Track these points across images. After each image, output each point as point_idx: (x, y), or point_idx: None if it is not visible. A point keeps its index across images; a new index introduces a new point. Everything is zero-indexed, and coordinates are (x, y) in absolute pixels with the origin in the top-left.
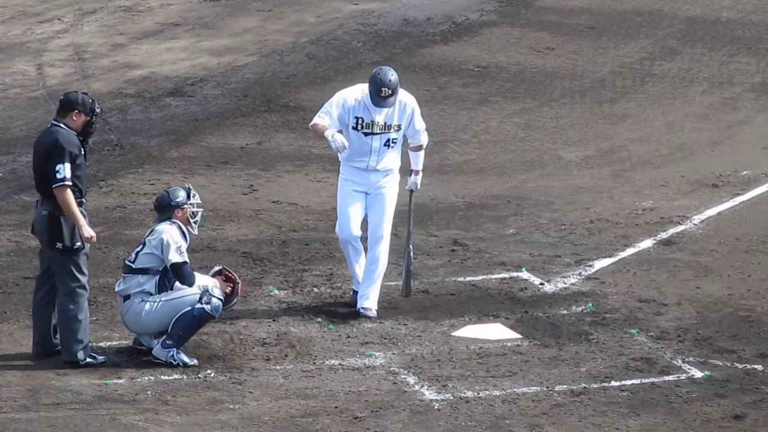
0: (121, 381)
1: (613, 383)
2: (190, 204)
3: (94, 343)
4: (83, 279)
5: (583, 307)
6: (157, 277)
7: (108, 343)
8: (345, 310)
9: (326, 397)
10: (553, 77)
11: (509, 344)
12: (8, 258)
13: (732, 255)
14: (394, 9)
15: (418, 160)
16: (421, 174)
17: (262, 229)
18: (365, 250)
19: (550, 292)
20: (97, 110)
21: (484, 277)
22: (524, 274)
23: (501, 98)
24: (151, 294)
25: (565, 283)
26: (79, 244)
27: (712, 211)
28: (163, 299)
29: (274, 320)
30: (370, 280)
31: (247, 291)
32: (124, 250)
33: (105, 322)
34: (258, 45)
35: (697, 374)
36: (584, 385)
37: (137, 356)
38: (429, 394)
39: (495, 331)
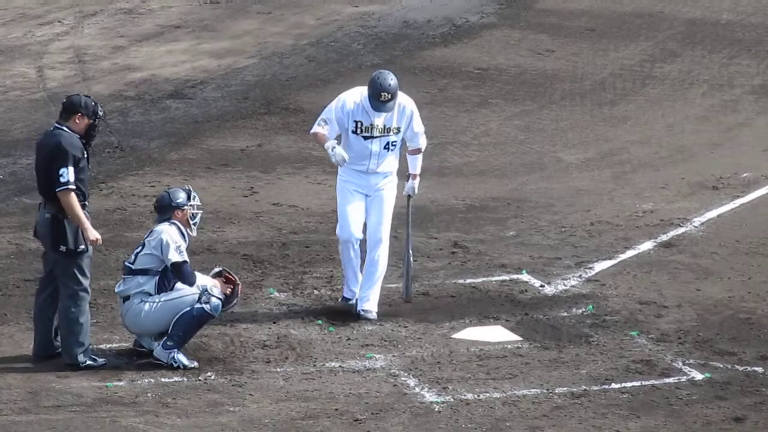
0: (121, 383)
1: (614, 385)
2: (191, 205)
3: (95, 346)
4: (86, 282)
5: (584, 310)
6: (157, 277)
7: (108, 346)
8: (345, 313)
9: (326, 399)
10: (553, 79)
11: (509, 346)
12: (8, 260)
13: (732, 257)
14: (394, 11)
15: (416, 164)
16: (419, 178)
17: (262, 231)
18: (362, 253)
19: (550, 295)
20: (100, 113)
21: (485, 279)
22: (524, 277)
23: (501, 100)
24: (150, 294)
25: (565, 286)
26: (82, 246)
27: (713, 214)
28: (162, 300)
29: (274, 322)
30: (370, 282)
31: (247, 293)
32: (124, 252)
33: (105, 325)
34: (258, 47)
35: (698, 376)
36: (584, 387)
37: (137, 358)
38: (429, 397)
39: (495, 334)
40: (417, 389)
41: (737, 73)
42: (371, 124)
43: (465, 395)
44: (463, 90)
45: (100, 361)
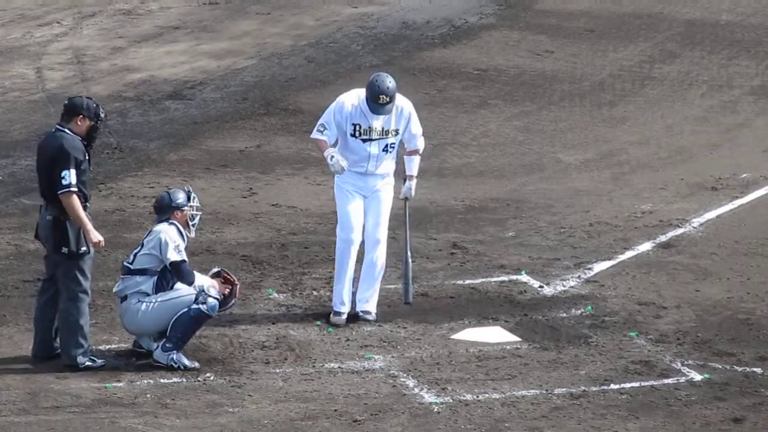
0: (120, 384)
1: (613, 386)
2: (190, 206)
3: (94, 347)
4: (86, 284)
5: (583, 310)
6: (155, 278)
7: (107, 347)
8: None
9: (325, 400)
10: (553, 80)
11: (508, 347)
12: (8, 261)
13: (731, 258)
14: (394, 12)
15: (412, 165)
16: (416, 179)
17: (261, 232)
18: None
19: (549, 295)
20: (102, 115)
21: (484, 280)
22: (523, 277)
23: (500, 101)
24: (147, 295)
25: (564, 286)
26: (84, 248)
27: (712, 214)
28: (159, 300)
29: (273, 323)
30: (369, 283)
31: (246, 294)
32: (123, 253)
33: (104, 326)
34: (257, 48)
35: (697, 377)
36: (583, 388)
37: (137, 359)
38: (428, 398)
39: (494, 334)
40: (416, 390)
41: (736, 74)
42: (370, 127)
43: (464, 396)
44: (462, 91)
45: (99, 362)
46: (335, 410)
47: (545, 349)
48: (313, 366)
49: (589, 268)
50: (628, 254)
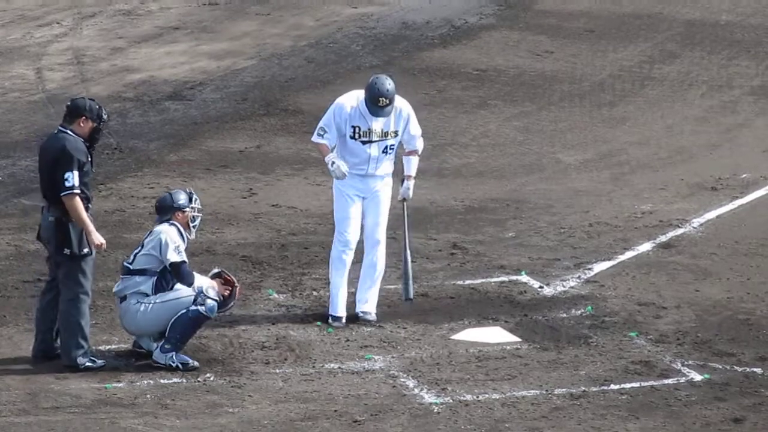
0: (120, 385)
1: (613, 386)
2: (192, 208)
3: (94, 347)
4: (87, 285)
5: (583, 311)
6: (154, 278)
7: (107, 347)
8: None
9: (325, 400)
10: (552, 81)
11: (508, 347)
12: (7, 262)
13: (731, 258)
14: (393, 12)
15: (410, 165)
16: (414, 180)
17: (261, 232)
18: (355, 259)
19: (549, 296)
20: (105, 117)
21: (484, 280)
22: (523, 278)
23: (500, 102)
24: (147, 295)
25: (564, 287)
26: (86, 249)
27: (712, 214)
28: (158, 300)
29: (273, 324)
30: (369, 283)
31: (246, 294)
32: (123, 253)
33: (104, 326)
34: (257, 49)
35: (697, 377)
36: (583, 388)
37: (136, 360)
38: (428, 398)
39: (494, 335)
40: (416, 390)
41: (736, 74)
42: (369, 129)
43: (464, 396)
44: (461, 91)
45: (99, 362)
46: (335, 411)
47: (545, 350)
48: (313, 366)
49: (589, 269)
50: (628, 254)
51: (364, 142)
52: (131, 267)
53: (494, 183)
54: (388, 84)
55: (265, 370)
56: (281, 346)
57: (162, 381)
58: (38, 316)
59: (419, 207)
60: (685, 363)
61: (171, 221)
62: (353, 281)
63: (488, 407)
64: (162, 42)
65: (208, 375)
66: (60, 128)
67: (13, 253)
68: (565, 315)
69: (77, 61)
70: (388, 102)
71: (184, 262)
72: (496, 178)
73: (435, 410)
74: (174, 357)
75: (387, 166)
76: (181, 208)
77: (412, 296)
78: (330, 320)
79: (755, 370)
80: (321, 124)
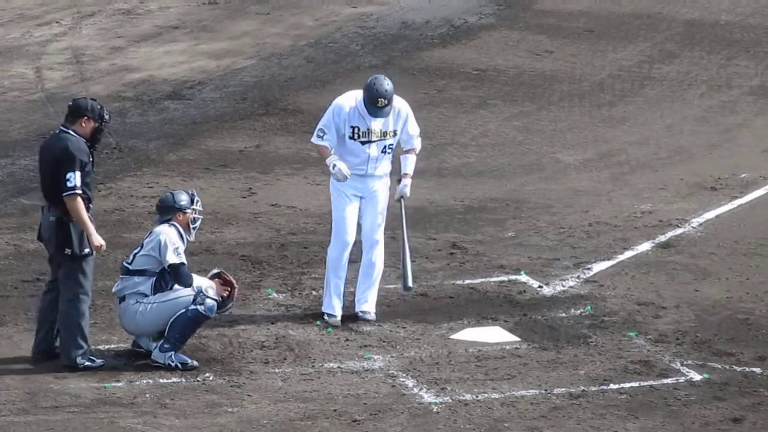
0: (119, 384)
1: (612, 386)
2: (193, 209)
3: (93, 346)
4: (87, 285)
5: (582, 310)
6: (154, 278)
7: (107, 346)
8: (343, 313)
9: (325, 400)
10: (552, 80)
11: (508, 347)
12: (7, 261)
13: (730, 258)
14: (393, 12)
15: (408, 163)
16: (411, 179)
17: (260, 232)
18: (352, 260)
19: (548, 295)
20: (106, 117)
21: (483, 280)
22: (523, 277)
23: (499, 101)
24: (146, 295)
25: (563, 286)
26: (87, 250)
27: (711, 214)
28: (157, 300)
29: (272, 323)
30: (368, 283)
31: (245, 294)
32: (122, 253)
33: (104, 326)
34: (256, 48)
35: (696, 377)
36: (583, 388)
37: (136, 359)
38: (428, 397)
39: (494, 334)
40: (415, 390)
41: (736, 74)
42: (368, 129)
43: (463, 396)
44: (461, 91)
45: (99, 362)
46: (334, 410)
47: (544, 349)
48: (313, 366)
49: (589, 268)
50: (628, 254)
51: (363, 143)
52: (130, 267)
53: (494, 183)
54: (387, 84)
55: (264, 369)
56: (280, 345)
57: (161, 380)
58: (40, 315)
59: (418, 207)
60: (685, 363)
61: (171, 222)
62: (352, 281)
63: (487, 407)
64: (161, 41)
65: (207, 374)
66: (62, 128)
67: (13, 253)
68: (564, 315)
69: (76, 60)
70: (387, 102)
71: (183, 263)
72: (495, 178)
73: (434, 410)
74: (173, 356)
75: (385, 165)
76: (182, 209)
77: (411, 285)
78: (325, 317)
79: (754, 369)
80: (320, 125)
